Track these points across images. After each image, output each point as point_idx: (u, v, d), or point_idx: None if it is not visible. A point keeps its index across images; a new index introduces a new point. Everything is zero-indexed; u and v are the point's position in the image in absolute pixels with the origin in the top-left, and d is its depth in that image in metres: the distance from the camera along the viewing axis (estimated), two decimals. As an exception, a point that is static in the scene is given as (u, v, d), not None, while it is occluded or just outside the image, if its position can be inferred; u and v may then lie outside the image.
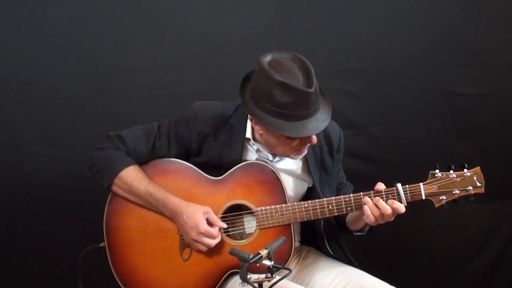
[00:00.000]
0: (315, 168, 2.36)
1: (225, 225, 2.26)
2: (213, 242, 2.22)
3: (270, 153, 2.33)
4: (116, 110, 3.17)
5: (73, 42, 3.11)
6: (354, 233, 2.41)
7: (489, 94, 3.38)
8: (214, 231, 2.22)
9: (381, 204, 2.16)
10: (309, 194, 2.40)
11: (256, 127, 2.25)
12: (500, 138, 3.41)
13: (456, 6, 3.30)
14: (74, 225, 3.11)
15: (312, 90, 2.07)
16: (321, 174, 2.39)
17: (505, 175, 3.29)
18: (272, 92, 2.08)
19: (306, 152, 2.28)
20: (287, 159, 2.35)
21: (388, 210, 2.15)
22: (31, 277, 3.21)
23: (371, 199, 2.19)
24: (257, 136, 2.31)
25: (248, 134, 2.31)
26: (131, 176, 2.28)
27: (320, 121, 2.13)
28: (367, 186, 2.24)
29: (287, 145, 2.20)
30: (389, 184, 2.23)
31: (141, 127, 2.39)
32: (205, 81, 3.21)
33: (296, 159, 2.30)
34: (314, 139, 2.18)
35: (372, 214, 2.17)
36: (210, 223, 2.24)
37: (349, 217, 2.39)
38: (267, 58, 2.14)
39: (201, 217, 2.22)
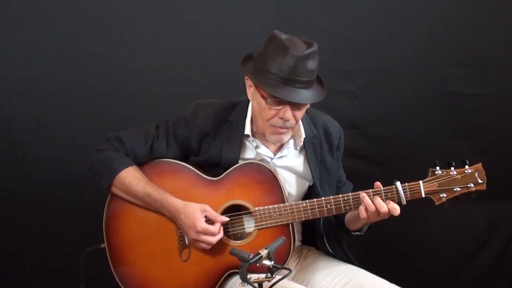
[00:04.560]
0: (315, 165, 2.36)
1: (226, 219, 2.25)
2: (213, 239, 2.22)
3: (270, 149, 2.33)
4: (116, 110, 3.18)
5: (73, 42, 3.12)
6: (353, 233, 2.41)
7: (489, 94, 3.37)
8: (213, 228, 2.22)
9: (377, 202, 2.15)
10: (310, 193, 2.40)
11: (249, 93, 2.28)
12: (500, 138, 3.40)
13: (456, 6, 3.30)
14: (75, 226, 3.11)
15: (301, 55, 2.09)
16: (322, 172, 2.38)
17: (505, 175, 3.29)
18: (268, 51, 2.15)
19: (284, 138, 2.26)
20: (288, 156, 2.35)
21: (384, 208, 2.14)
22: (32, 278, 3.21)
23: (369, 197, 2.18)
24: (252, 115, 2.31)
25: (247, 131, 2.31)
26: (130, 177, 2.28)
27: (301, 97, 2.14)
28: (367, 185, 2.23)
29: (264, 113, 2.20)
30: (389, 183, 2.21)
31: (139, 128, 2.39)
32: (205, 81, 3.21)
33: (273, 141, 2.29)
34: (288, 114, 2.17)
35: (367, 212, 2.16)
36: (210, 220, 2.24)
37: (348, 216, 2.39)
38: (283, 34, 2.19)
39: (199, 215, 2.22)
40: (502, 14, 3.34)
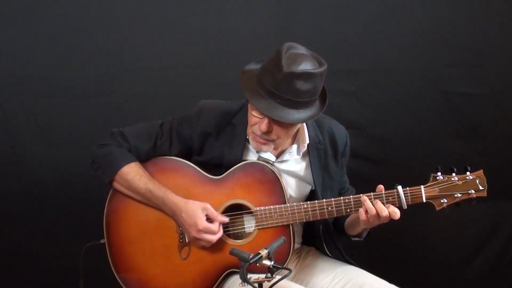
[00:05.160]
0: (318, 172, 2.35)
1: (226, 219, 2.26)
2: (213, 238, 2.22)
3: (272, 153, 2.32)
4: (116, 110, 3.18)
5: (74, 42, 3.12)
6: (352, 238, 2.40)
7: (489, 94, 3.37)
8: (214, 226, 2.22)
9: (378, 206, 2.15)
10: (311, 197, 2.38)
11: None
12: (500, 138, 3.40)
13: (456, 5, 3.30)
14: (74, 224, 3.12)
15: (289, 72, 2.04)
16: (324, 178, 2.37)
17: (505, 175, 3.29)
18: (268, 60, 2.12)
19: (263, 148, 2.23)
20: (290, 161, 2.34)
21: (384, 211, 2.13)
22: (32, 274, 3.22)
23: (370, 200, 2.17)
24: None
25: None
26: (132, 172, 2.29)
27: (277, 113, 2.08)
28: (367, 186, 2.23)
29: (249, 117, 2.20)
30: (389, 185, 2.21)
31: (144, 124, 2.39)
32: (205, 81, 3.21)
33: (253, 147, 2.27)
34: (263, 126, 2.14)
35: (367, 214, 2.15)
36: (210, 219, 2.24)
37: (347, 221, 2.38)
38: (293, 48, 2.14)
39: (200, 214, 2.22)
40: (502, 14, 3.34)
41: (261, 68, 2.16)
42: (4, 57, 3.09)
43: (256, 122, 2.17)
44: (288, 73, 2.05)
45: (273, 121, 2.14)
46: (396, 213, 2.15)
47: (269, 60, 2.12)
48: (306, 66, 2.07)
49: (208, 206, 2.24)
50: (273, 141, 2.21)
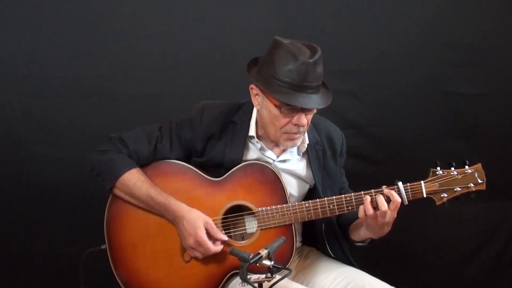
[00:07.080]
0: (318, 171, 2.36)
1: (225, 238, 2.25)
2: (209, 252, 2.21)
3: (273, 151, 2.32)
4: (116, 110, 3.17)
5: (73, 42, 3.12)
6: (356, 244, 2.39)
7: (489, 94, 3.38)
8: (211, 246, 2.21)
9: (380, 200, 2.14)
10: (311, 196, 2.38)
11: (255, 101, 2.25)
12: (500, 138, 3.41)
13: (456, 5, 3.30)
14: (75, 227, 3.11)
15: (312, 61, 2.10)
16: (324, 178, 2.38)
17: (505, 175, 3.29)
18: (276, 59, 2.13)
19: (297, 142, 2.26)
20: (291, 160, 2.35)
21: (384, 206, 2.13)
22: (32, 279, 3.20)
23: (371, 198, 2.17)
24: (257, 117, 2.30)
25: (252, 132, 2.30)
26: (133, 179, 2.27)
27: (314, 102, 2.15)
28: (367, 186, 2.23)
29: (277, 121, 2.20)
30: (388, 183, 2.21)
31: (142, 128, 2.38)
32: (205, 81, 3.21)
33: (287, 147, 2.28)
34: (304, 120, 2.18)
35: (365, 213, 2.16)
36: (209, 235, 2.22)
37: (352, 226, 2.37)
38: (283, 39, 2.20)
39: (201, 225, 2.21)
40: (502, 14, 3.35)
41: (269, 68, 2.15)
42: (4, 57, 3.09)
43: (288, 121, 2.19)
44: (312, 62, 2.10)
45: (306, 111, 2.18)
46: (397, 197, 2.14)
47: (277, 57, 2.13)
48: (308, 50, 2.14)
49: (210, 221, 2.23)
50: (304, 131, 2.26)
